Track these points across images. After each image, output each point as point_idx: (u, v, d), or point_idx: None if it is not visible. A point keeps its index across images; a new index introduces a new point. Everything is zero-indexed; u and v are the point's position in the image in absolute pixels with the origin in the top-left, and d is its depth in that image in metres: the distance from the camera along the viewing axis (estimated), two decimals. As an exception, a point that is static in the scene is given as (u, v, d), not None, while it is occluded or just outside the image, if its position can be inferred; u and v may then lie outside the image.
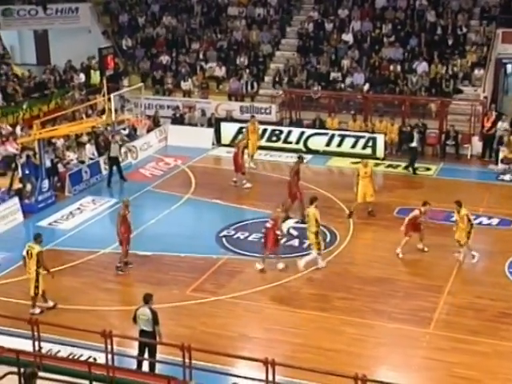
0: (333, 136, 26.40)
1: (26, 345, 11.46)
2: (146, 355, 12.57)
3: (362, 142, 25.98)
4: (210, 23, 33.44)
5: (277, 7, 33.29)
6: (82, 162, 23.99)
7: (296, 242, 18.80)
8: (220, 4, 34.02)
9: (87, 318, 14.89)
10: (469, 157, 26.17)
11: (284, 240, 18.32)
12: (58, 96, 29.30)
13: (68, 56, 31.78)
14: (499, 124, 25.75)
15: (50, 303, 15.44)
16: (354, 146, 26.06)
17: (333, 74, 29.57)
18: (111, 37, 33.80)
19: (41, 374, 9.83)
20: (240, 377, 10.95)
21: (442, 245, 17.83)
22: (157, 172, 24.90)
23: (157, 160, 26.13)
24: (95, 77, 30.29)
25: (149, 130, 27.57)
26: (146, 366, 12.64)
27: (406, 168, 24.56)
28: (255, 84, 30.22)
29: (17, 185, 21.58)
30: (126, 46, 33.39)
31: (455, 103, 27.62)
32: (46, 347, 12.52)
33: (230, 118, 28.59)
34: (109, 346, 10.90)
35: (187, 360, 10.50)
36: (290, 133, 27.00)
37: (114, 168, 23.53)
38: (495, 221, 20.11)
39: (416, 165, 24.47)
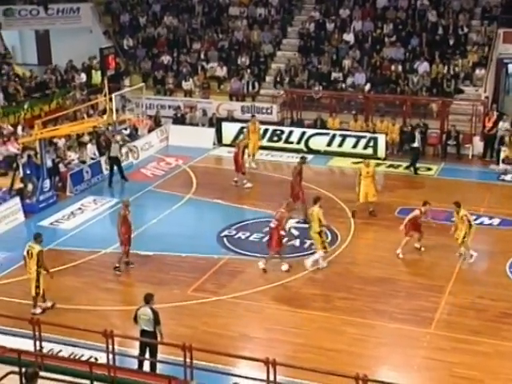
0: (334, 136, 26.40)
1: (27, 345, 11.46)
2: (147, 355, 12.58)
3: (363, 142, 25.98)
4: (211, 23, 33.45)
5: (278, 7, 33.28)
6: (84, 162, 24.00)
7: (297, 242, 18.81)
8: (221, 4, 34.02)
9: (88, 317, 14.90)
10: (470, 157, 26.17)
11: (285, 240, 18.30)
12: (59, 96, 29.31)
13: (69, 56, 31.79)
14: (500, 124, 25.74)
15: (49, 303, 15.44)
16: (355, 146, 26.06)
17: (334, 74, 29.57)
18: (112, 37, 33.81)
19: (42, 373, 9.84)
20: (241, 377, 10.97)
21: (443, 245, 17.82)
22: (158, 172, 24.91)
23: (158, 160, 26.14)
24: (96, 77, 30.29)
25: (150, 130, 27.57)
26: (147, 366, 12.65)
27: (407, 168, 24.56)
28: (256, 84, 30.21)
29: (18, 185, 21.59)
30: (127, 45, 33.40)
31: (456, 103, 27.61)
32: (47, 347, 12.54)
33: (231, 118, 28.60)
34: (110, 346, 10.92)
35: (188, 360, 10.51)
36: (291, 133, 27.00)
37: (115, 168, 23.54)
38: (496, 221, 20.11)
39: (417, 165, 24.46)
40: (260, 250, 18.27)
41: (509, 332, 14.51)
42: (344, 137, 26.30)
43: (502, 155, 24.78)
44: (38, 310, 15.14)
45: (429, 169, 24.75)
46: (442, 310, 15.38)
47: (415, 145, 24.62)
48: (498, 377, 13.10)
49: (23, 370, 9.76)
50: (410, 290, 16.33)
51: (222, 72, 31.09)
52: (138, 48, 33.16)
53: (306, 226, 19.16)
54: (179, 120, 29.01)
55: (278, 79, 30.15)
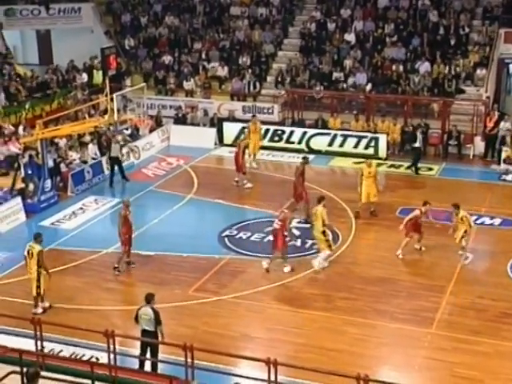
0: (335, 136, 26.40)
1: (28, 344, 11.47)
2: (148, 355, 12.59)
3: (364, 142, 25.99)
4: (213, 23, 33.44)
5: (279, 7, 33.28)
6: (85, 162, 24.01)
7: (298, 242, 18.81)
8: (222, 4, 34.02)
9: (89, 317, 14.92)
10: (471, 157, 26.16)
11: (286, 240, 18.26)
12: (60, 96, 29.32)
13: (70, 56, 31.80)
14: (502, 124, 25.73)
15: (46, 304, 15.44)
16: (356, 146, 26.06)
17: (335, 74, 29.57)
18: (114, 37, 33.83)
19: (43, 373, 9.85)
20: (242, 377, 10.97)
21: (444, 245, 17.82)
22: (159, 172, 24.92)
23: (159, 160, 26.16)
24: (98, 77, 30.30)
25: (151, 130, 27.59)
26: (148, 366, 12.66)
27: (409, 168, 24.55)
28: (257, 84, 30.21)
29: (19, 184, 21.62)
30: (128, 45, 33.41)
31: (457, 103, 27.61)
32: (48, 347, 12.57)
33: (232, 118, 28.61)
34: (111, 346, 10.92)
35: (189, 360, 10.52)
36: (292, 133, 27.00)
37: (116, 168, 23.55)
38: (497, 221, 20.11)
39: (418, 165, 24.46)
40: (261, 250, 18.29)
41: (509, 332, 14.52)
42: (345, 137, 26.31)
43: (503, 155, 24.77)
44: (40, 310, 15.16)
45: (430, 169, 24.75)
46: (442, 310, 15.39)
47: (416, 145, 24.63)
48: (498, 377, 13.11)
49: (24, 369, 9.77)
50: (410, 290, 16.34)
51: (223, 72, 31.09)
52: (140, 48, 33.16)
53: (307, 226, 19.21)
54: (180, 120, 29.01)
55: (279, 79, 30.15)
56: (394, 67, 29.07)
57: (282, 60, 31.41)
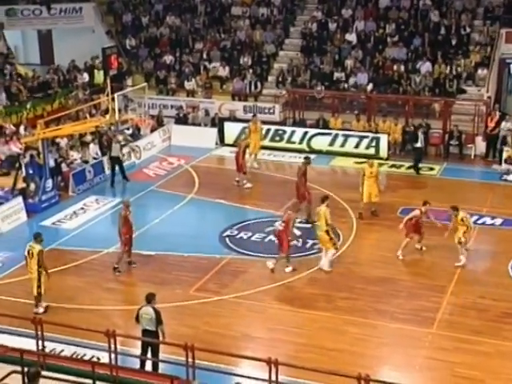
0: (336, 136, 26.40)
1: (29, 344, 11.49)
2: (149, 355, 12.59)
3: (365, 141, 25.99)
4: (214, 23, 33.45)
5: (280, 7, 33.28)
6: (86, 162, 24.02)
7: (299, 242, 18.79)
8: (223, 4, 34.02)
9: (91, 317, 14.93)
10: (472, 157, 26.15)
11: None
12: (61, 96, 29.33)
13: (72, 56, 31.81)
14: (503, 124, 25.72)
15: (43, 304, 15.42)
16: (357, 146, 26.06)
17: (336, 74, 29.57)
18: (115, 36, 33.84)
19: (44, 373, 9.87)
20: (243, 376, 10.98)
21: (445, 245, 17.79)
22: (160, 172, 24.93)
23: (160, 160, 26.17)
24: (99, 76, 30.32)
25: (152, 130, 27.61)
26: (149, 366, 12.66)
27: (410, 168, 24.54)
28: (259, 84, 30.22)
29: (20, 184, 21.63)
30: (129, 45, 33.42)
31: (459, 103, 27.61)
32: (49, 346, 12.58)
33: (233, 118, 28.61)
34: (112, 346, 10.93)
35: (190, 360, 10.53)
36: (293, 133, 27.00)
37: (117, 168, 23.55)
38: (498, 221, 20.11)
39: (419, 165, 24.46)
40: (262, 250, 18.31)
41: (510, 332, 14.51)
42: (346, 137, 26.31)
43: (505, 155, 24.76)
44: (41, 310, 15.17)
45: (431, 169, 24.74)
46: (443, 310, 15.39)
47: (418, 145, 24.63)
48: (499, 377, 13.11)
49: (25, 369, 9.79)
50: (411, 289, 16.34)
51: (224, 72, 31.10)
52: (141, 48, 33.17)
53: (308, 226, 19.22)
54: (181, 120, 29.02)
55: (281, 79, 30.16)
56: (395, 67, 29.07)
57: (283, 60, 31.41)
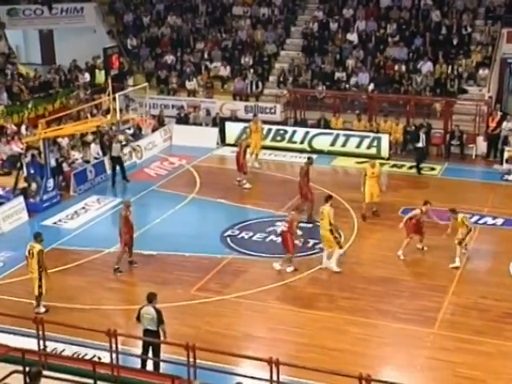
0: (337, 136, 26.40)
1: (31, 344, 11.50)
2: (151, 354, 12.59)
3: (366, 141, 25.98)
4: (215, 23, 33.46)
5: (281, 7, 33.28)
6: (87, 162, 24.02)
7: (300, 242, 18.76)
8: (225, 4, 34.03)
9: (92, 317, 14.93)
10: (473, 157, 26.14)
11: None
12: (63, 95, 29.33)
13: (73, 55, 31.82)
14: (504, 124, 25.70)
15: (42, 305, 15.44)
16: (358, 146, 26.05)
17: (337, 74, 29.56)
18: (116, 36, 33.85)
19: (46, 372, 9.87)
20: (244, 376, 10.95)
21: (446, 245, 17.76)
22: (161, 171, 24.93)
23: (161, 159, 26.17)
24: (100, 76, 30.31)
25: (153, 130, 27.61)
26: (150, 366, 12.66)
27: (412, 167, 24.51)
28: (260, 84, 30.22)
29: (22, 184, 21.63)
30: (130, 45, 33.42)
31: (460, 103, 27.59)
32: (50, 346, 12.58)
33: (234, 118, 28.60)
34: (113, 345, 10.94)
35: (192, 359, 10.53)
36: (294, 132, 27.00)
37: (118, 168, 23.54)
38: (500, 221, 20.10)
39: (421, 165, 24.45)
40: (264, 250, 18.32)
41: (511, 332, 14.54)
42: (347, 136, 26.30)
43: (506, 155, 24.74)
44: (42, 309, 15.17)
45: (432, 169, 24.73)
46: (445, 310, 15.38)
47: (419, 145, 24.61)
48: (501, 377, 13.10)
49: (27, 369, 9.80)
50: (413, 289, 16.33)
51: (225, 72, 31.10)
52: (142, 48, 33.17)
53: (309, 225, 19.21)
54: (183, 120, 29.03)
55: (282, 79, 30.16)
56: (396, 67, 29.07)
57: (284, 60, 31.41)
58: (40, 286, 15.17)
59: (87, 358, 12.89)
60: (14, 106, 27.38)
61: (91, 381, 10.13)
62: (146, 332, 12.61)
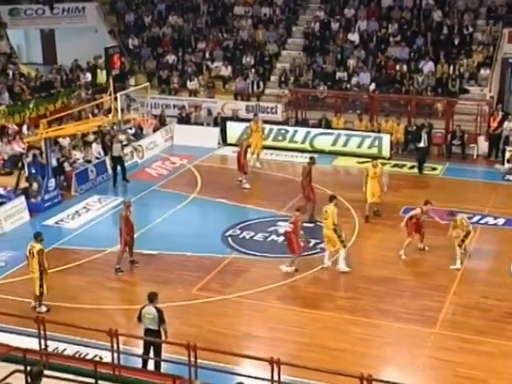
0: (339, 136, 26.40)
1: (32, 343, 11.51)
2: (152, 354, 12.59)
3: (367, 141, 25.98)
4: (216, 22, 33.47)
5: (283, 7, 33.30)
6: (89, 162, 24.04)
7: (301, 242, 18.76)
8: (226, 3, 34.05)
9: (93, 316, 14.93)
10: (475, 157, 26.14)
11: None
12: (64, 95, 29.35)
13: (74, 55, 31.84)
14: (505, 124, 25.70)
15: (37, 303, 15.46)
16: (359, 146, 26.05)
17: (339, 74, 29.56)
18: (117, 36, 33.87)
19: (47, 372, 9.88)
20: (245, 376, 10.95)
21: (448, 245, 17.75)
22: (163, 171, 24.94)
23: (163, 159, 26.18)
24: (101, 76, 30.34)
25: (155, 130, 27.61)
26: (151, 365, 12.66)
27: (415, 167, 24.48)
28: (261, 83, 30.23)
29: (23, 184, 21.64)
30: (132, 45, 33.44)
31: (461, 103, 27.59)
32: (52, 346, 12.60)
33: (235, 118, 28.61)
34: (115, 345, 10.94)
35: (193, 359, 10.54)
36: (295, 132, 27.01)
37: (118, 167, 23.54)
38: (501, 221, 20.09)
39: (423, 164, 24.46)
40: (265, 250, 18.32)
41: (513, 332, 14.52)
42: (349, 136, 26.30)
43: (507, 155, 24.73)
44: (43, 309, 15.17)
45: (434, 168, 24.72)
46: (446, 310, 15.38)
47: (421, 145, 24.60)
48: (502, 376, 13.09)
49: (28, 368, 9.80)
50: (414, 289, 16.33)
51: (226, 71, 31.11)
52: (143, 47, 33.19)
53: (311, 225, 19.20)
54: (184, 119, 29.04)
55: (283, 79, 30.16)
56: (397, 67, 29.07)
57: (285, 60, 31.41)
58: (41, 286, 15.17)
59: (88, 357, 12.89)
60: (15, 106, 27.38)
61: (92, 380, 10.14)
62: (147, 332, 12.61)
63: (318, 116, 27.79)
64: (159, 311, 12.52)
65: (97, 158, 24.40)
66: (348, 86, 29.21)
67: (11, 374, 9.93)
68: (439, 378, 13.27)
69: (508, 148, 24.90)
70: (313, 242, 18.54)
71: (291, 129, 27.25)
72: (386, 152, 25.70)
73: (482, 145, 26.19)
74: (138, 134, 27.00)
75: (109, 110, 24.17)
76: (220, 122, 28.28)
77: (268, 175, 24.66)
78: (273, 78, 30.94)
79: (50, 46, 35.84)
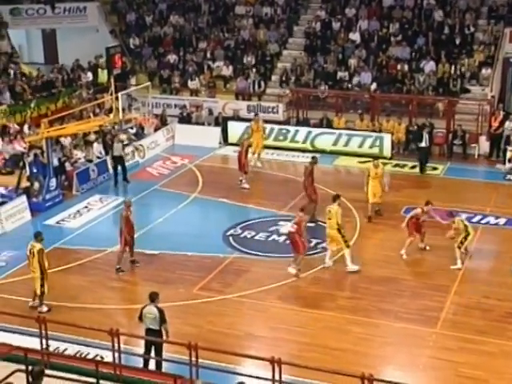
0: (340, 135, 26.40)
1: (33, 343, 11.52)
2: (153, 354, 12.60)
3: (369, 141, 25.97)
4: (218, 22, 33.46)
5: (284, 6, 33.29)
6: (90, 161, 24.05)
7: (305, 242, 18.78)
8: (227, 3, 34.05)
9: (94, 316, 14.94)
10: (476, 156, 26.12)
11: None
12: (65, 95, 29.35)
13: (76, 55, 31.84)
14: (507, 123, 25.67)
15: (36, 303, 15.46)
16: (361, 146, 26.05)
17: (340, 74, 29.55)
18: (119, 36, 33.87)
19: (48, 371, 9.90)
20: (246, 376, 10.97)
21: (449, 245, 17.74)
22: (164, 171, 24.95)
23: (164, 159, 26.19)
24: (103, 76, 30.35)
25: (156, 129, 27.62)
26: (152, 365, 12.67)
27: (418, 168, 24.46)
28: (262, 83, 30.22)
29: (24, 183, 21.66)
30: (133, 44, 33.45)
31: (462, 103, 27.58)
32: (53, 345, 12.61)
33: (237, 117, 28.62)
34: (116, 345, 10.95)
35: (194, 359, 10.55)
36: (296, 132, 27.00)
37: (119, 167, 23.53)
38: (502, 220, 20.08)
39: (426, 164, 24.45)
40: (266, 249, 18.32)
41: (514, 332, 14.52)
42: (350, 136, 26.30)
43: (509, 155, 24.71)
44: (45, 309, 15.18)
45: (435, 168, 24.71)
46: (447, 310, 15.38)
47: (422, 144, 24.59)
48: (503, 376, 13.09)
49: (29, 368, 9.81)
50: (415, 289, 16.33)
51: (227, 71, 31.11)
52: (144, 47, 33.19)
53: (312, 225, 19.20)
54: (185, 119, 29.04)
55: (284, 78, 30.16)
56: (398, 66, 29.06)
57: (286, 59, 31.40)
58: (42, 286, 15.18)
59: (90, 357, 12.91)
60: (16, 106, 27.38)
61: (94, 380, 10.15)
62: (149, 331, 12.62)
63: (319, 116, 27.79)
64: (160, 311, 12.53)
65: (98, 158, 24.40)
66: (349, 85, 29.20)
67: (12, 373, 9.94)
68: (440, 377, 13.27)
69: (509, 148, 24.87)
70: (314, 241, 18.52)
71: (292, 128, 27.25)
72: (387, 152, 25.69)
73: (484, 144, 26.18)
74: (139, 134, 27.01)
75: (110, 110, 24.17)
76: (221, 122, 28.29)
77: (269, 175, 24.66)
78: (274, 77, 30.94)
79: (51, 46, 35.84)
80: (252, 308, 15.65)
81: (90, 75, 31.00)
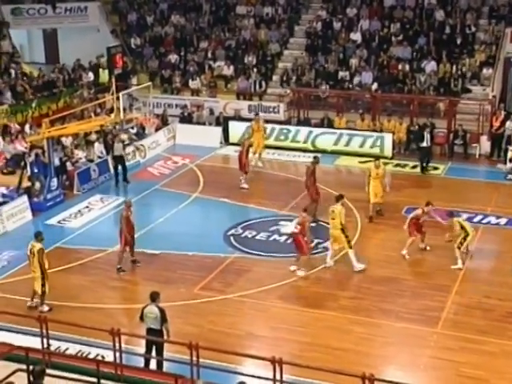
0: (341, 135, 26.39)
1: (34, 342, 11.52)
2: (154, 353, 12.60)
3: (370, 141, 25.96)
4: (219, 22, 33.47)
5: (285, 6, 33.29)
6: (91, 161, 24.06)
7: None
8: (228, 3, 34.05)
9: (95, 316, 14.94)
10: (477, 156, 26.11)
11: (290, 241, 18.21)
12: (66, 94, 29.37)
13: (77, 55, 31.86)
14: (508, 123, 25.66)
15: (34, 302, 15.46)
16: (362, 146, 26.04)
17: (341, 73, 29.55)
18: (120, 35, 33.88)
19: (49, 371, 9.90)
20: (247, 375, 10.97)
21: (450, 245, 17.71)
22: (165, 171, 24.95)
23: (165, 159, 26.19)
24: (104, 75, 30.34)
25: (157, 129, 27.62)
26: (153, 364, 12.67)
27: (424, 169, 24.43)
28: (263, 83, 30.22)
29: (26, 183, 21.67)
30: (134, 44, 33.45)
31: (464, 102, 27.57)
32: (54, 345, 12.61)
33: (238, 117, 28.62)
34: (117, 344, 10.95)
35: (195, 358, 10.54)
36: (297, 132, 26.99)
37: (120, 167, 23.53)
38: (503, 220, 20.08)
39: (423, 164, 24.42)
40: (267, 249, 18.32)
41: (515, 332, 14.51)
42: (351, 136, 26.29)
43: (510, 155, 24.69)
44: (46, 308, 15.19)
45: (436, 168, 24.71)
46: (448, 310, 15.38)
47: (424, 144, 24.59)
48: (504, 376, 13.09)
49: (31, 367, 9.82)
50: (416, 289, 16.32)
51: (229, 71, 31.11)
52: (146, 47, 33.20)
53: (313, 225, 19.19)
54: (186, 119, 29.04)
55: (285, 78, 30.16)
56: (399, 66, 29.05)
57: (287, 59, 31.40)
58: (43, 285, 15.19)
59: (91, 356, 12.92)
60: (17, 105, 27.40)
61: (95, 379, 10.15)
62: (150, 331, 12.62)
63: (320, 115, 27.79)
64: (161, 310, 12.53)
65: (99, 158, 24.41)
66: (350, 85, 29.20)
67: (13, 372, 9.95)
68: (441, 377, 13.27)
69: (510, 148, 24.86)
70: (315, 241, 18.51)
71: (293, 128, 27.24)
72: (388, 151, 25.68)
73: (485, 144, 26.17)
74: (140, 134, 27.02)
75: (111, 110, 24.15)
76: (222, 122, 28.29)
77: (270, 175, 24.66)
78: (275, 77, 30.93)
79: (52, 46, 35.86)
80: (253, 308, 15.65)
81: (91, 75, 31.02)
